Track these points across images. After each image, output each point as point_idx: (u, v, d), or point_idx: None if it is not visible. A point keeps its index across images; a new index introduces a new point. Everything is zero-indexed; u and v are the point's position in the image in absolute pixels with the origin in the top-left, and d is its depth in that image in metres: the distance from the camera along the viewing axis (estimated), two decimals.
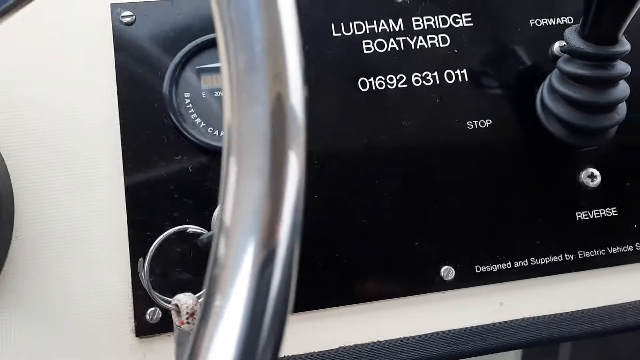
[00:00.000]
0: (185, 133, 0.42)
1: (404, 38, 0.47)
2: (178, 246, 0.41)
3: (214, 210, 0.40)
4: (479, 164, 0.45)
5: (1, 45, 0.42)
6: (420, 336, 0.42)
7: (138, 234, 0.41)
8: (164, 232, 0.39)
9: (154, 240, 0.39)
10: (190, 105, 0.43)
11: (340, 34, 0.46)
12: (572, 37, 0.42)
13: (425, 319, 0.43)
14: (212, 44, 0.43)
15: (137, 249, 0.41)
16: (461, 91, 0.46)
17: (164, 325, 0.40)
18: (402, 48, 0.46)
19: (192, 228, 0.39)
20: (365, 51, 0.46)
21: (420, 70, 0.46)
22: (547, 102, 0.45)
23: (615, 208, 0.45)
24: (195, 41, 0.43)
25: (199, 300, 0.36)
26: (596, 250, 0.44)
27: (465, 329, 0.43)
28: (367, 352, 0.42)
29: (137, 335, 0.40)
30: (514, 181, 0.45)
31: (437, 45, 0.47)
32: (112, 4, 0.44)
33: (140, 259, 0.38)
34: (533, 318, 0.43)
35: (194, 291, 0.37)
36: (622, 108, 0.44)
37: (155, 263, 0.39)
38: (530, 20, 0.48)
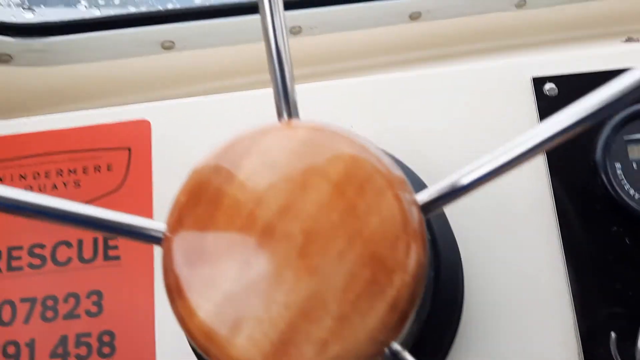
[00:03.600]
0: (622, 203, 0.43)
1: None
2: None
3: None
4: None
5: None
6: None
7: (583, 307, 0.41)
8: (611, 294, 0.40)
9: (600, 316, 0.40)
10: (622, 176, 0.43)
11: None
12: None
13: None
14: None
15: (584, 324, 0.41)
16: None
17: None
18: None
19: None
20: None
21: None
22: None
23: None
24: (626, 111, 0.44)
25: None
26: None
27: None
28: None
29: None
30: None
31: None
32: (533, 78, 0.45)
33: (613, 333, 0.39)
34: None
35: None
36: None
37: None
38: None
